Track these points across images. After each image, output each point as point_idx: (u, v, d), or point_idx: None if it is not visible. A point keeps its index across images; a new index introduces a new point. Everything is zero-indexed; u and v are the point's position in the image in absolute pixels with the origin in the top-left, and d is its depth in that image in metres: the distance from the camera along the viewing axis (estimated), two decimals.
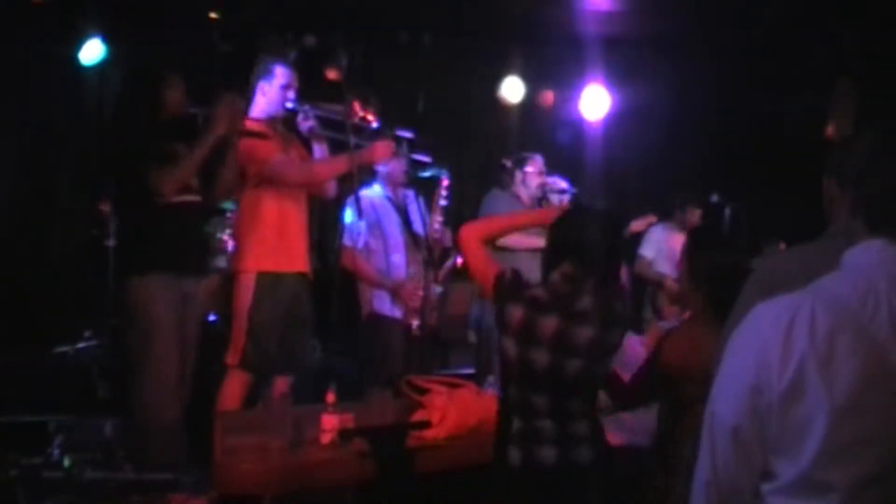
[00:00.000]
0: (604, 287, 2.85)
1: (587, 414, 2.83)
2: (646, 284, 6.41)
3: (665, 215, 6.50)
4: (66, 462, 3.55)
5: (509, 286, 2.88)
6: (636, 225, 6.37)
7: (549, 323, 2.77)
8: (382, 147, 4.37)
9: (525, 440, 2.79)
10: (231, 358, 4.21)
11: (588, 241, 2.86)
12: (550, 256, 2.91)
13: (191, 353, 4.06)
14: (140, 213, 3.92)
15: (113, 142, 4.02)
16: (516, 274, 2.92)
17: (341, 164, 4.33)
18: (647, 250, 6.38)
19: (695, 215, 6.46)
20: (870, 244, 1.40)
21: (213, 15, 5.92)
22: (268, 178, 4.22)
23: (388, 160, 4.64)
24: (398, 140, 4.77)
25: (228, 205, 5.73)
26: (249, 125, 4.18)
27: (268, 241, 4.24)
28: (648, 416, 3.46)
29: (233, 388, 4.18)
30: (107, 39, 5.89)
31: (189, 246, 4.06)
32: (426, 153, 4.98)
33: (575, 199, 5.94)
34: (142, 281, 3.87)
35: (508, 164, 5.73)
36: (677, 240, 6.46)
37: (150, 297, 3.86)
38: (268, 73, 4.32)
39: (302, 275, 4.38)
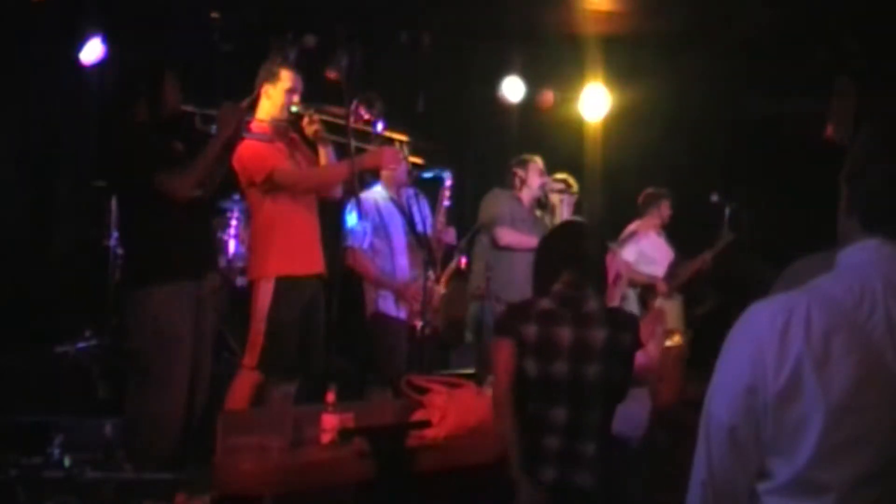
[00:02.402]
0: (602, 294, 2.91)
1: (599, 433, 2.82)
2: (634, 286, 6.42)
3: (638, 216, 6.55)
4: (67, 462, 3.55)
5: (512, 314, 2.92)
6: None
7: (564, 333, 2.81)
8: (390, 153, 4.39)
9: (527, 458, 2.81)
10: (248, 359, 4.21)
11: (584, 251, 2.92)
12: (547, 270, 2.95)
13: (207, 356, 4.04)
14: (152, 217, 3.87)
15: (117, 145, 3.98)
16: (511, 304, 2.99)
17: (347, 168, 4.34)
18: (629, 255, 6.42)
19: (666, 208, 6.50)
20: (865, 244, 1.39)
21: (213, 15, 5.91)
22: (277, 185, 4.22)
23: (395, 167, 4.65)
24: (400, 142, 4.78)
25: (228, 204, 5.75)
26: (255, 128, 4.18)
27: (285, 247, 4.24)
28: (635, 406, 3.46)
29: (242, 388, 4.18)
30: (107, 39, 5.88)
31: (203, 245, 4.05)
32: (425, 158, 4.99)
33: (576, 201, 5.96)
34: (161, 289, 3.83)
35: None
36: (653, 237, 6.50)
37: (172, 306, 3.82)
38: (273, 77, 4.32)
39: (318, 277, 4.39)
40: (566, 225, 3.22)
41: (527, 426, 2.84)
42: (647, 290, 6.39)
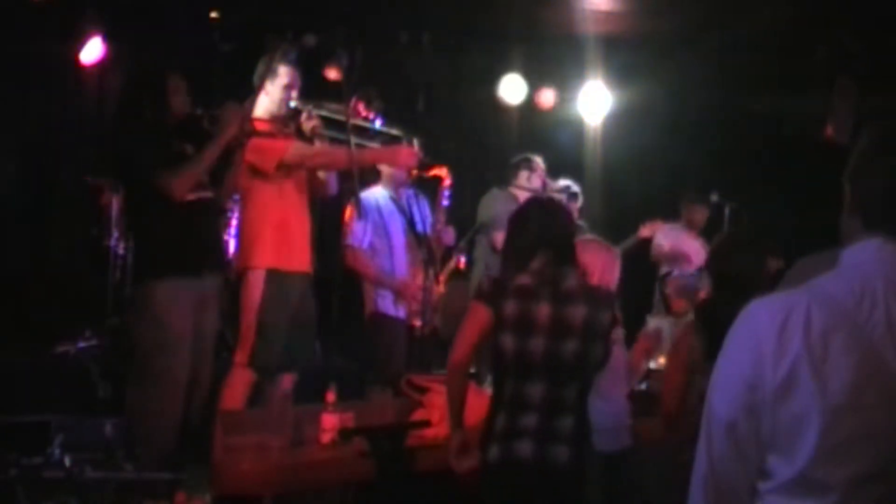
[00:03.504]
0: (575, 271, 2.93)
1: (576, 408, 2.85)
2: (658, 280, 6.46)
3: (673, 215, 6.56)
4: (67, 462, 3.55)
5: (493, 289, 2.92)
6: (644, 231, 6.41)
7: (542, 309, 2.82)
8: (407, 153, 4.38)
9: (505, 436, 2.81)
10: (240, 356, 4.21)
11: (557, 230, 2.94)
12: (522, 250, 2.96)
13: (208, 354, 4.05)
14: (155, 215, 3.89)
15: (120, 146, 4.00)
16: (491, 279, 2.99)
17: (363, 156, 4.35)
18: (663, 241, 6.43)
19: (700, 214, 6.52)
20: (866, 243, 1.40)
21: (213, 14, 5.92)
22: (291, 164, 4.22)
23: (409, 168, 4.63)
24: (401, 140, 4.78)
25: (228, 204, 5.74)
26: (256, 125, 4.19)
27: (276, 240, 4.24)
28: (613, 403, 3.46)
29: (237, 385, 4.19)
30: (107, 39, 5.89)
31: (207, 245, 4.06)
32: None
33: (579, 206, 5.97)
34: (162, 284, 3.85)
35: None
36: (686, 238, 6.52)
37: (171, 303, 3.83)
38: (271, 73, 4.32)
39: (307, 274, 4.40)
40: (535, 203, 3.16)
41: (505, 406, 2.84)
42: (663, 280, 6.41)
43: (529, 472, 2.79)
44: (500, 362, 2.89)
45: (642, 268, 6.44)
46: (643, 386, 4.13)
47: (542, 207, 3.13)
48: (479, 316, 2.90)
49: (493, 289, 2.93)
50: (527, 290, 2.85)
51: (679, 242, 6.50)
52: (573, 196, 5.90)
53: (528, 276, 2.89)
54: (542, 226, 2.98)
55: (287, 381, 4.32)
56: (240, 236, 4.48)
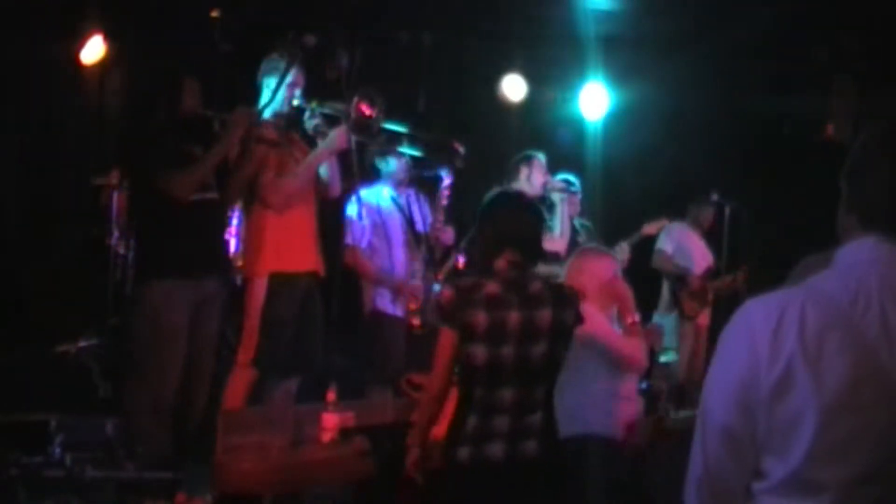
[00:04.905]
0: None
1: (544, 405, 2.87)
2: (666, 277, 6.47)
3: (678, 214, 6.57)
4: (67, 461, 3.56)
5: (455, 303, 2.86)
6: (648, 228, 6.42)
7: (513, 317, 2.81)
8: (339, 134, 4.30)
9: (477, 438, 2.82)
10: (243, 355, 4.21)
11: (525, 228, 2.93)
12: (490, 247, 2.94)
13: (208, 354, 4.05)
14: (159, 215, 3.90)
15: (127, 145, 4.02)
16: (456, 286, 2.92)
17: (310, 167, 4.32)
18: (667, 245, 6.46)
19: (708, 214, 6.55)
20: (862, 242, 1.40)
21: (213, 14, 5.92)
22: (263, 190, 4.23)
23: (347, 144, 4.52)
24: (397, 139, 4.78)
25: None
26: (266, 133, 4.19)
27: (278, 243, 4.25)
28: (595, 403, 3.47)
29: (238, 385, 4.19)
30: (108, 38, 5.88)
31: (209, 245, 4.06)
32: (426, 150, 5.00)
33: (579, 200, 5.96)
34: (160, 284, 3.86)
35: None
36: (693, 237, 6.54)
37: (167, 301, 3.85)
38: (275, 72, 4.32)
39: (314, 273, 4.39)
40: (503, 202, 3.09)
41: (475, 409, 2.84)
42: (677, 282, 6.42)
43: (502, 471, 2.81)
44: (469, 371, 2.86)
45: (644, 267, 6.44)
46: (643, 385, 4.13)
47: (508, 203, 3.08)
48: (447, 341, 2.86)
49: (455, 303, 2.85)
50: (496, 298, 2.83)
51: (683, 243, 6.52)
52: (573, 190, 5.90)
53: (495, 282, 2.86)
54: (508, 224, 2.95)
55: (290, 383, 4.32)
56: (244, 242, 4.48)
